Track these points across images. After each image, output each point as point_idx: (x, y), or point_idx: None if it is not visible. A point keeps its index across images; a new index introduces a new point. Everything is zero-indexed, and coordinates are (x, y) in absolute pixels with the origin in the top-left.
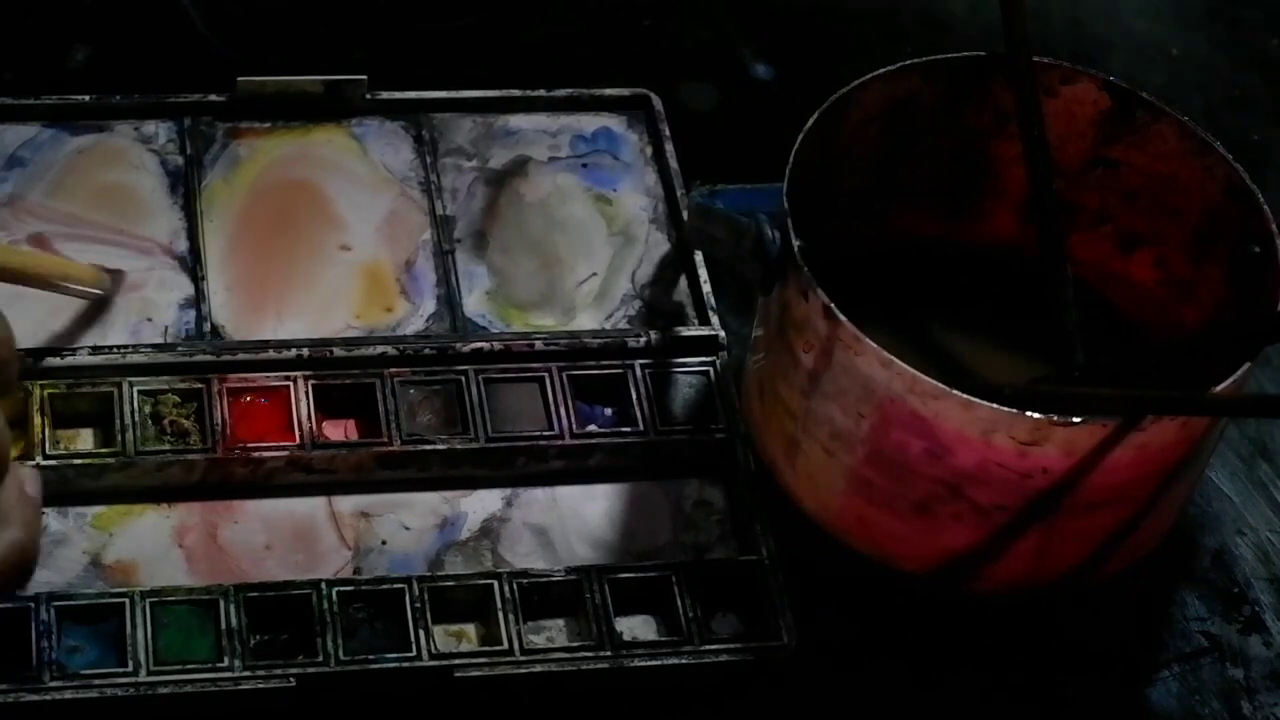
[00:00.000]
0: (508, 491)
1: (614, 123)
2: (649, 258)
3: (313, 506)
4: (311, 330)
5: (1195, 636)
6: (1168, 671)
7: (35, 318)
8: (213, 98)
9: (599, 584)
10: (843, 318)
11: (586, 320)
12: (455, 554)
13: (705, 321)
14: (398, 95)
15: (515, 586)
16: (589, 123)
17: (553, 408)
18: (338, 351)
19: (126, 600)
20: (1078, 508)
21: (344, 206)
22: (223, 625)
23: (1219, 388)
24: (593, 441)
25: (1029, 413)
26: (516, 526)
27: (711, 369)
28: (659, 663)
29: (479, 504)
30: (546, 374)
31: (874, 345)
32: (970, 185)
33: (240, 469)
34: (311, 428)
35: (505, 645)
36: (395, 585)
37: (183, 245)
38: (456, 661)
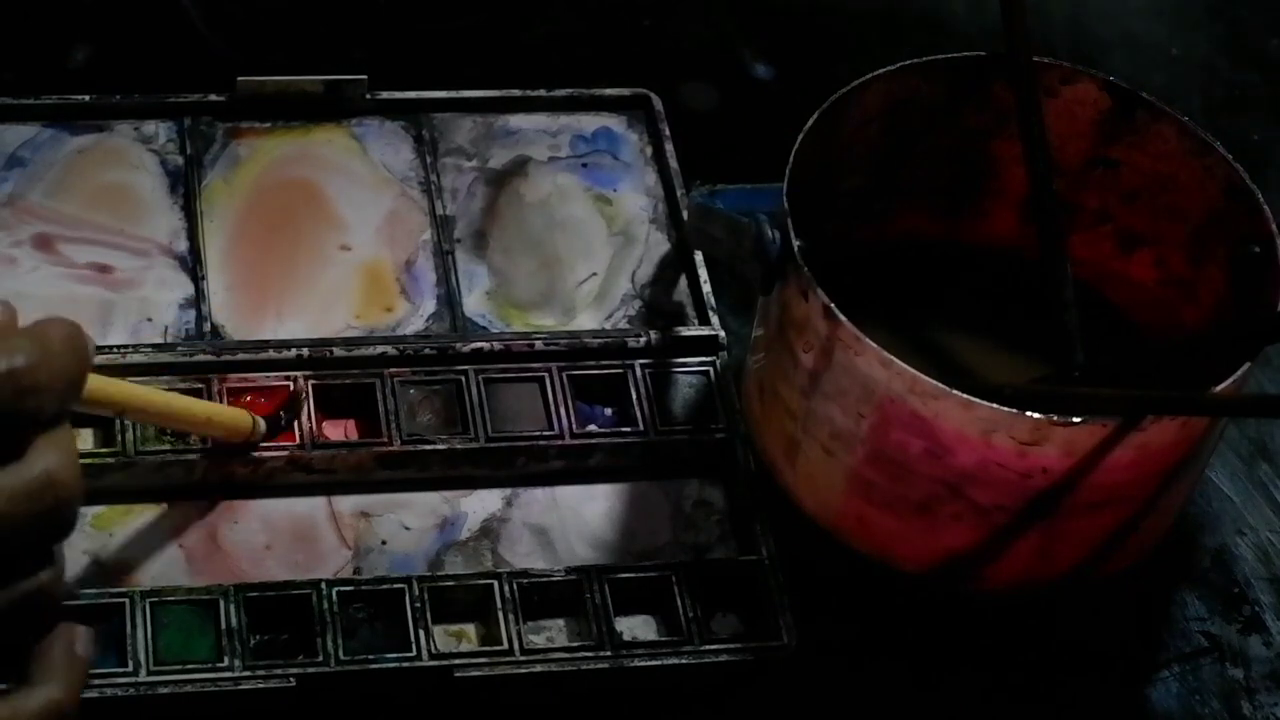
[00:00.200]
0: (508, 491)
1: (614, 123)
2: (649, 258)
3: (313, 506)
4: (311, 330)
5: (1195, 636)
6: (1168, 671)
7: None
8: (213, 98)
9: (599, 584)
10: (843, 318)
11: (586, 320)
12: (455, 554)
13: (705, 321)
14: (398, 95)
15: (515, 586)
16: (589, 123)
17: (553, 408)
18: (338, 351)
19: (126, 600)
20: (1078, 508)
21: (344, 206)
22: (223, 625)
23: (1219, 388)
24: (593, 441)
25: (1029, 413)
26: (516, 526)
27: (711, 369)
28: (659, 663)
29: (479, 504)
30: (546, 374)
31: (874, 345)
32: (970, 185)
33: (240, 469)
34: (311, 428)
35: (505, 645)
36: (395, 585)
37: (183, 245)
38: (456, 661)
